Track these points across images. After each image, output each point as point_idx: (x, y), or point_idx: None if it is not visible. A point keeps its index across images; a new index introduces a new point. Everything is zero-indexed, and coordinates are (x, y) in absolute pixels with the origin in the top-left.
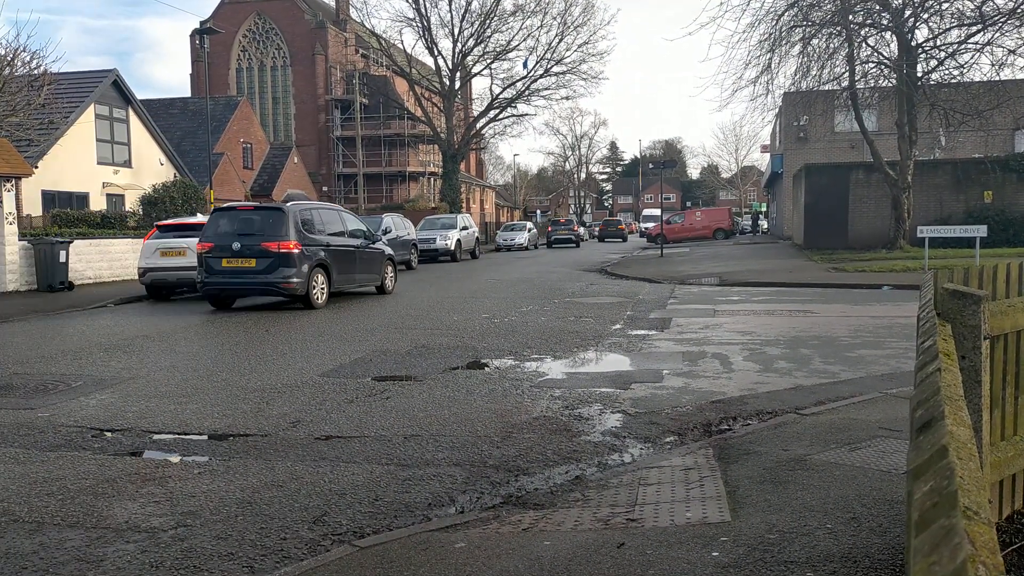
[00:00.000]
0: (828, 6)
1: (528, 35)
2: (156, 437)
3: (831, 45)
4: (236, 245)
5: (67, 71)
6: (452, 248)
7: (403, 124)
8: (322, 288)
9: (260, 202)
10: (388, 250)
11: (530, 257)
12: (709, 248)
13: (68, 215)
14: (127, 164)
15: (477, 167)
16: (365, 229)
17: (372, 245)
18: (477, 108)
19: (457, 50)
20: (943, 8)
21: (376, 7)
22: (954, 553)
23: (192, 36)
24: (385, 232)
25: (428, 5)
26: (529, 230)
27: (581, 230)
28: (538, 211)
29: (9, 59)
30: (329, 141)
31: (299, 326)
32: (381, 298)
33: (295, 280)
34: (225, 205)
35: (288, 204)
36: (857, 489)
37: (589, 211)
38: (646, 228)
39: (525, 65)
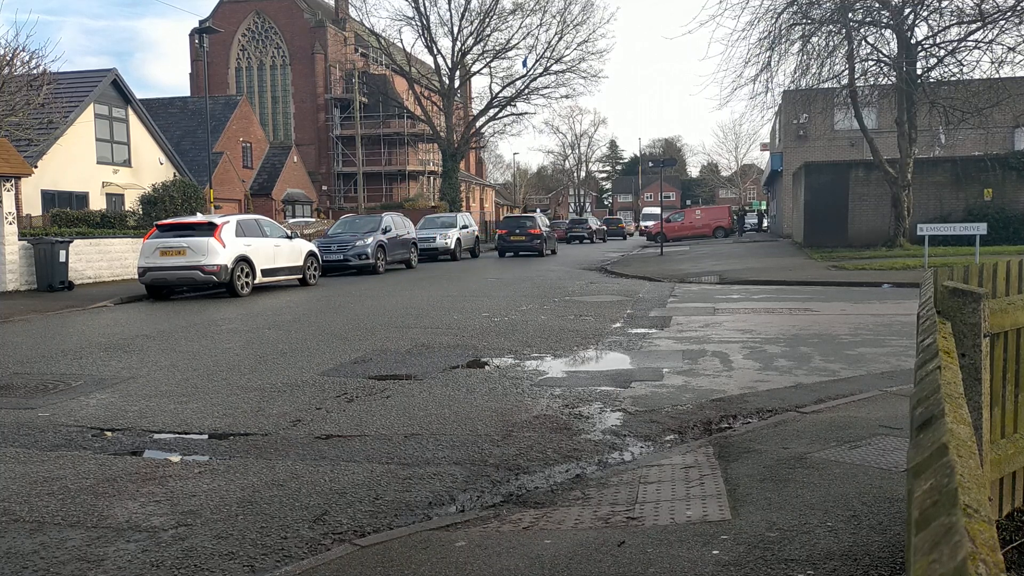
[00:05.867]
0: (827, 4)
1: (527, 34)
2: (156, 436)
3: (830, 43)
4: (518, 230)
5: (66, 71)
6: (452, 247)
7: (402, 123)
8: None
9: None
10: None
11: (531, 255)
12: (709, 246)
13: (68, 215)
14: (127, 163)
15: (477, 166)
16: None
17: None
18: (477, 107)
19: (456, 49)
20: (942, 6)
21: (375, 6)
22: (954, 551)
23: (191, 36)
24: (385, 231)
25: (427, 4)
26: None
27: (594, 227)
28: (538, 209)
29: (8, 59)
30: (328, 140)
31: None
32: (382, 296)
33: (539, 243)
34: (511, 214)
35: (538, 212)
36: (857, 487)
37: (589, 209)
38: (646, 226)
39: (524, 64)
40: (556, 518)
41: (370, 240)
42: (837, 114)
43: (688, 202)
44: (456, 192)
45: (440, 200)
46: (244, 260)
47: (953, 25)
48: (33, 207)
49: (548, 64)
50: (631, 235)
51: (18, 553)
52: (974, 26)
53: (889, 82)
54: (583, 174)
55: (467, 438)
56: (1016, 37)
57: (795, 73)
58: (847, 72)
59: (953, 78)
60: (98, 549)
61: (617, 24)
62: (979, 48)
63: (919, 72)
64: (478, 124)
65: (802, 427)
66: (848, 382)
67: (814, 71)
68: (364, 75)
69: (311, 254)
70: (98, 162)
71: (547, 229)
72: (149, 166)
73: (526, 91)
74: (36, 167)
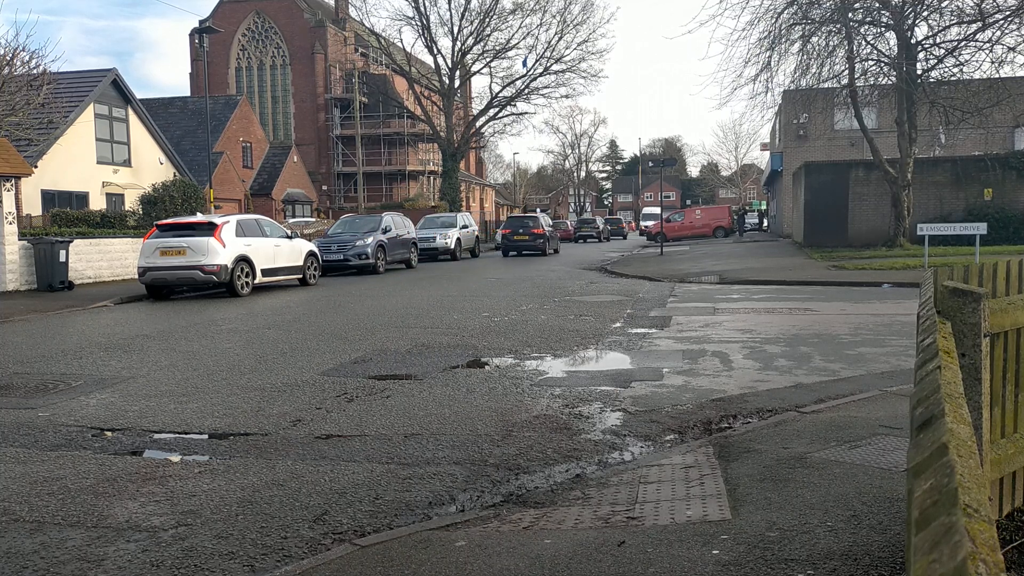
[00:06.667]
0: (827, 4)
1: (527, 33)
2: (156, 436)
3: (831, 43)
4: (521, 230)
5: (66, 71)
6: (452, 247)
7: (402, 123)
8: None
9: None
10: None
11: (534, 254)
12: (709, 246)
13: (68, 214)
14: (127, 163)
15: (477, 166)
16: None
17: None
18: (477, 107)
19: (456, 48)
20: (942, 6)
21: (375, 5)
22: (954, 551)
23: (191, 35)
24: (385, 231)
25: (427, 3)
26: None
27: (600, 227)
28: (538, 209)
29: (8, 58)
30: (328, 140)
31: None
32: (382, 296)
33: (542, 242)
34: (514, 214)
35: (539, 212)
36: (857, 487)
37: (589, 209)
38: (646, 226)
39: (524, 64)
40: (556, 518)
41: (370, 240)
42: (837, 114)
43: (688, 202)
44: (456, 192)
45: (440, 200)
46: (244, 260)
47: (953, 25)
48: (33, 207)
49: (548, 64)
50: (627, 235)
51: (18, 553)
52: (974, 26)
53: (889, 82)
54: (583, 174)
55: (467, 438)
56: (1016, 37)
57: (795, 73)
58: (847, 72)
59: (953, 78)
60: (98, 549)
61: (617, 24)
62: (979, 48)
63: (919, 72)
64: (478, 124)
65: (802, 427)
66: (848, 382)
67: (814, 71)
68: (364, 75)
69: (311, 254)
70: (98, 162)
71: (550, 229)
72: (149, 166)
73: (526, 91)
74: (36, 167)
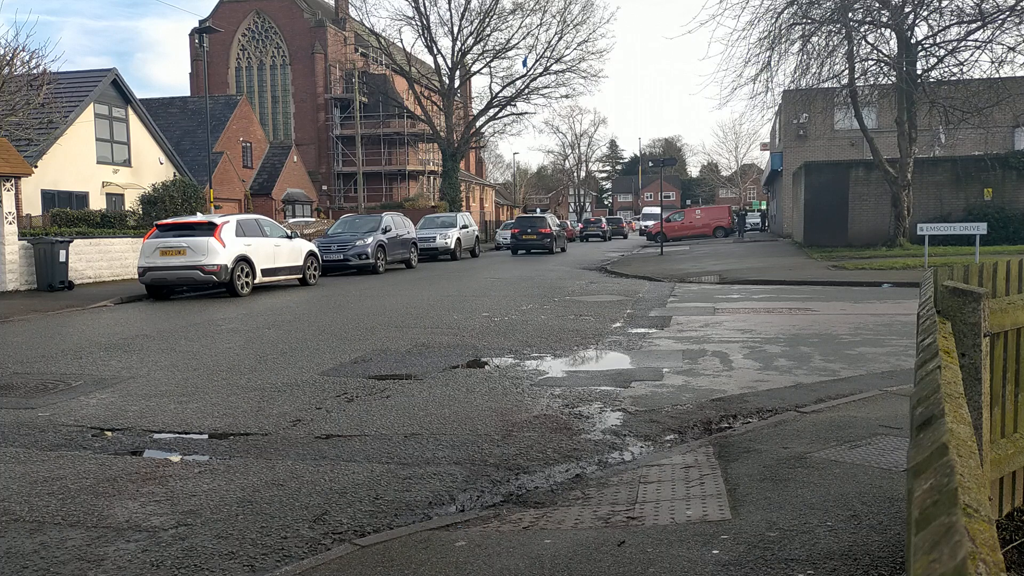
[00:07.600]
0: (827, 3)
1: (527, 33)
2: (156, 436)
3: (831, 43)
4: (529, 229)
5: (66, 71)
6: (452, 247)
7: (402, 123)
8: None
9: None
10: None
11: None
12: (709, 246)
13: (68, 214)
14: (127, 163)
15: (477, 165)
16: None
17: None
18: (477, 106)
19: (456, 48)
20: (942, 5)
21: (375, 5)
22: (954, 550)
23: (191, 35)
24: (385, 231)
25: (427, 4)
26: None
27: (606, 227)
28: (538, 209)
29: (8, 58)
30: (328, 140)
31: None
32: (382, 296)
33: (549, 241)
34: (524, 214)
35: (539, 211)
36: (857, 487)
37: (589, 209)
38: (645, 226)
39: (524, 63)
40: (556, 518)
41: (370, 240)
42: (837, 114)
43: (688, 202)
44: (456, 192)
45: (440, 200)
46: (244, 260)
47: (953, 25)
48: (33, 207)
49: (548, 64)
50: (627, 235)
51: (18, 553)
52: (974, 26)
53: (889, 82)
54: (583, 174)
55: (467, 438)
56: (1016, 37)
57: (795, 73)
58: (847, 72)
59: (953, 78)
60: (98, 549)
61: (617, 24)
62: (979, 48)
63: (919, 72)
64: (478, 124)
65: (802, 427)
66: (848, 382)
67: (814, 71)
68: (364, 75)
69: (311, 254)
70: (98, 162)
71: (557, 228)
72: (149, 166)
73: (526, 91)
74: (36, 167)
